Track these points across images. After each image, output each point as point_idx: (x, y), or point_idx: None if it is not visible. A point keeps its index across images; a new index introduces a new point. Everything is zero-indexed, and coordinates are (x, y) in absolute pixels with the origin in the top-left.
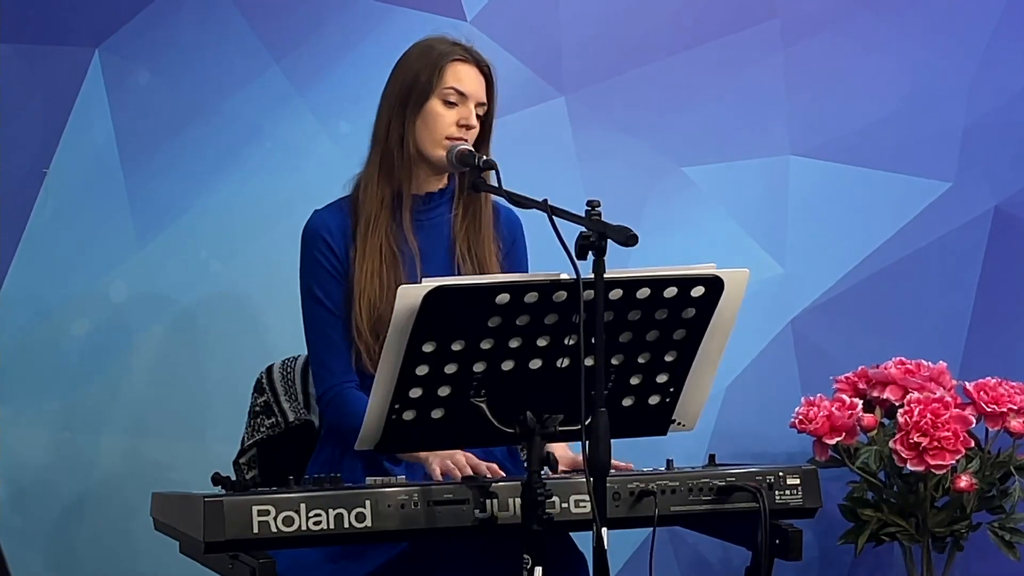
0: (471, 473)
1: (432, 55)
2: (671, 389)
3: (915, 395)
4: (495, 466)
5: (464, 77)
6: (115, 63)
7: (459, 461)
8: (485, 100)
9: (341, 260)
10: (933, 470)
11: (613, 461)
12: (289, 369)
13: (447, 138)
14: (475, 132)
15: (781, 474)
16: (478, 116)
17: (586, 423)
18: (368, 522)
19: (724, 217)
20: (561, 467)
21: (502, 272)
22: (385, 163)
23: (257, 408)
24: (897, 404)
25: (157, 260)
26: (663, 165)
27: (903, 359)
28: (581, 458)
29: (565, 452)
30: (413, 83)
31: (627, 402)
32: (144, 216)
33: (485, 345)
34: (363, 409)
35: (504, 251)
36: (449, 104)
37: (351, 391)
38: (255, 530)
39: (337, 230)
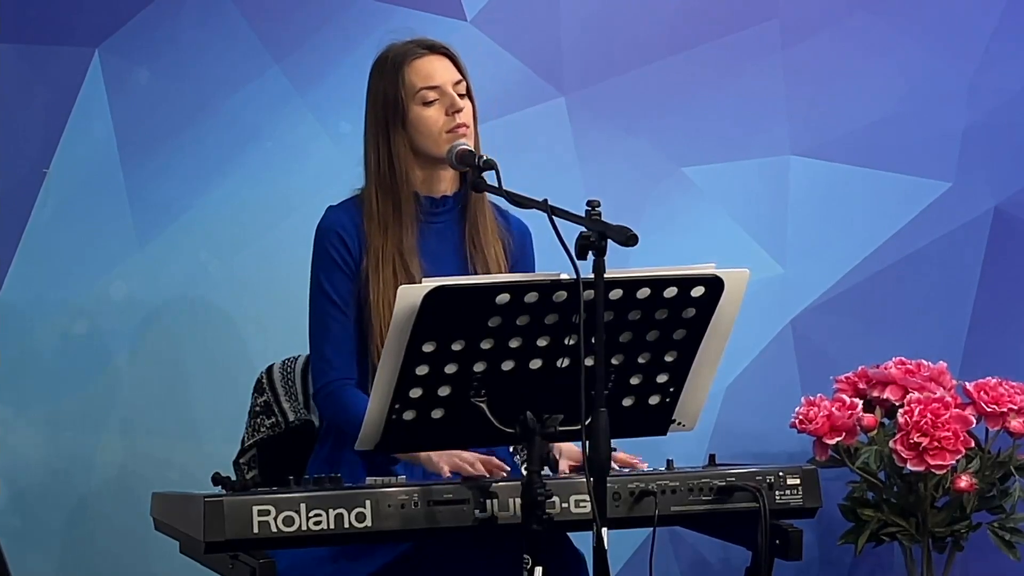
0: (481, 468)
1: (388, 68)
2: (671, 389)
3: (915, 395)
4: (495, 460)
5: (428, 70)
6: (115, 63)
7: (466, 457)
8: (459, 77)
9: (354, 257)
10: (933, 470)
11: (622, 454)
12: (289, 369)
13: (446, 132)
14: (468, 110)
15: (781, 474)
16: (460, 95)
17: (586, 423)
18: (368, 522)
19: (724, 217)
20: (566, 460)
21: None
22: (383, 187)
23: (257, 408)
24: (897, 404)
25: (157, 260)
26: (663, 165)
27: (903, 359)
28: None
29: (571, 447)
30: (385, 103)
31: (627, 402)
32: (144, 216)
33: (485, 345)
34: (361, 408)
35: (513, 260)
36: (429, 103)
37: (349, 389)
38: (255, 530)
39: (352, 227)
